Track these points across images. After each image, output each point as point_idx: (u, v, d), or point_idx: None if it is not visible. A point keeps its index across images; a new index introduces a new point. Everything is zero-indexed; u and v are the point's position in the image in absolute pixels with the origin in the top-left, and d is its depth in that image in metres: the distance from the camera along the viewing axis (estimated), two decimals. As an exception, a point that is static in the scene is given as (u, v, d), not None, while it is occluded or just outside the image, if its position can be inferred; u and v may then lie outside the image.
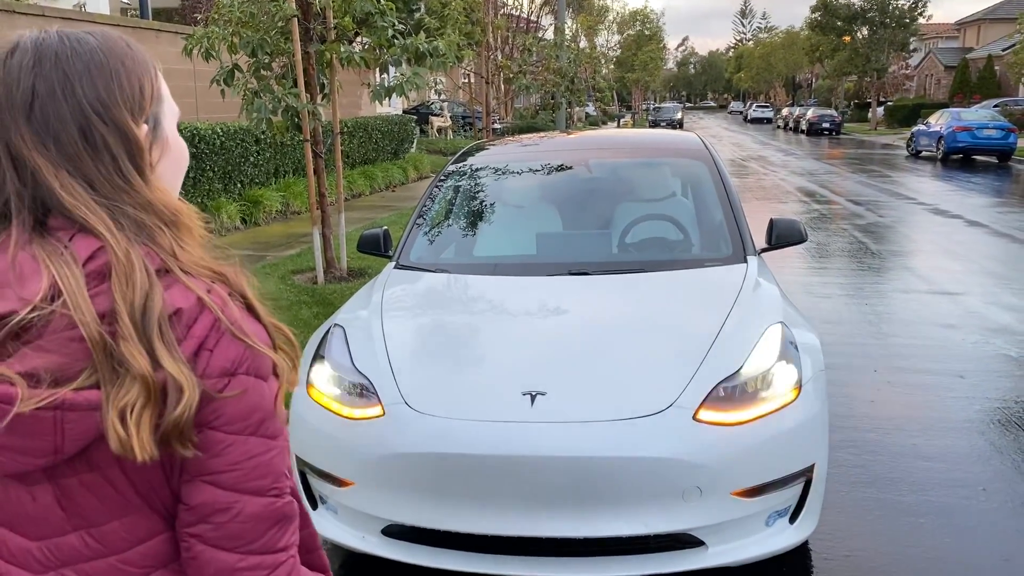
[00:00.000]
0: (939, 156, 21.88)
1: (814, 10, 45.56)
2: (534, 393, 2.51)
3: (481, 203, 4.15)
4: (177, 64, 8.45)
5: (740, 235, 3.57)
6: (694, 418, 2.45)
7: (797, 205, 12.98)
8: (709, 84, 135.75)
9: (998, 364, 5.06)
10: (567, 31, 25.89)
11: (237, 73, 6.52)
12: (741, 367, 2.60)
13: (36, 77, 0.86)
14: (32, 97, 0.86)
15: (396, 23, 6.75)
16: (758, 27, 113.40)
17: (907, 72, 44.72)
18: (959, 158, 21.95)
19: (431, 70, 7.20)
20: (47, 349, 0.81)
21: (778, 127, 48.18)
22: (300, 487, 2.78)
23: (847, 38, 43.25)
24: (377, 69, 7.17)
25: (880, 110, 42.74)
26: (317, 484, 2.72)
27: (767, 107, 61.90)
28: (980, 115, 22.40)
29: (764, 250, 3.71)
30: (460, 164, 4.41)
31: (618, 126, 40.81)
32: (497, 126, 19.27)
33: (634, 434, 2.40)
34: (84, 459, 0.85)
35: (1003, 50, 37.08)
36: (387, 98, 6.79)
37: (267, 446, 0.90)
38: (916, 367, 5.01)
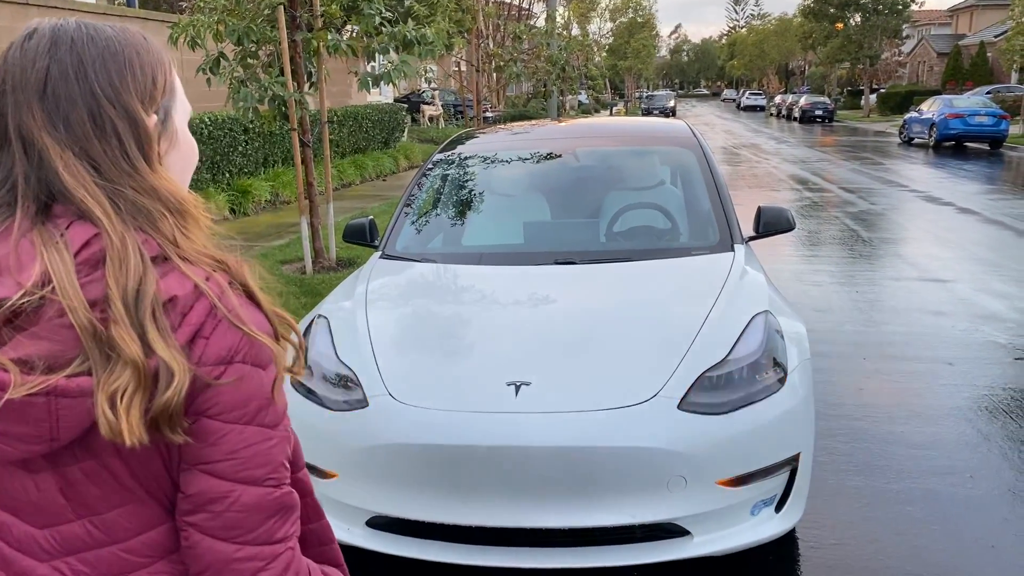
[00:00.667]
0: (931, 143, 21.90)
1: (807, -3, 45.50)
2: (518, 383, 2.50)
3: (468, 192, 4.12)
4: (164, 53, 8.36)
5: (727, 223, 3.55)
6: (679, 407, 2.44)
7: (789, 193, 12.97)
8: (702, 72, 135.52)
9: (987, 351, 5.07)
10: (559, 19, 25.77)
11: (223, 62, 6.46)
12: (726, 356, 2.58)
13: (51, 60, 0.88)
14: (46, 79, 0.87)
15: (384, 10, 6.69)
16: (751, 14, 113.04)
17: (900, 59, 44.64)
18: (951, 145, 21.98)
19: (421, 58, 7.15)
20: (40, 336, 0.81)
21: (771, 115, 48.16)
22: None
23: (840, 25, 43.21)
24: (366, 57, 7.09)
25: (873, 97, 42.72)
26: (301, 476, 2.70)
27: (760, 95, 61.77)
28: (972, 102, 22.40)
29: (751, 238, 3.69)
30: (447, 153, 4.38)
31: (611, 114, 40.70)
32: (489, 115, 19.20)
33: (618, 424, 2.39)
34: (84, 447, 0.86)
35: (995, 37, 37.08)
36: (375, 86, 6.74)
37: (265, 435, 0.90)
38: (905, 354, 5.01)
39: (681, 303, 2.96)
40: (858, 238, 8.99)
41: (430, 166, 4.24)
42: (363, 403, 2.56)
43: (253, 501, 0.88)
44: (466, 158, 4.35)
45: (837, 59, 45.54)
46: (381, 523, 2.54)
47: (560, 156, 4.25)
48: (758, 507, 2.54)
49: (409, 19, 7.01)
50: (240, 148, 10.77)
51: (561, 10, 30.21)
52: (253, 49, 6.56)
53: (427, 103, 24.73)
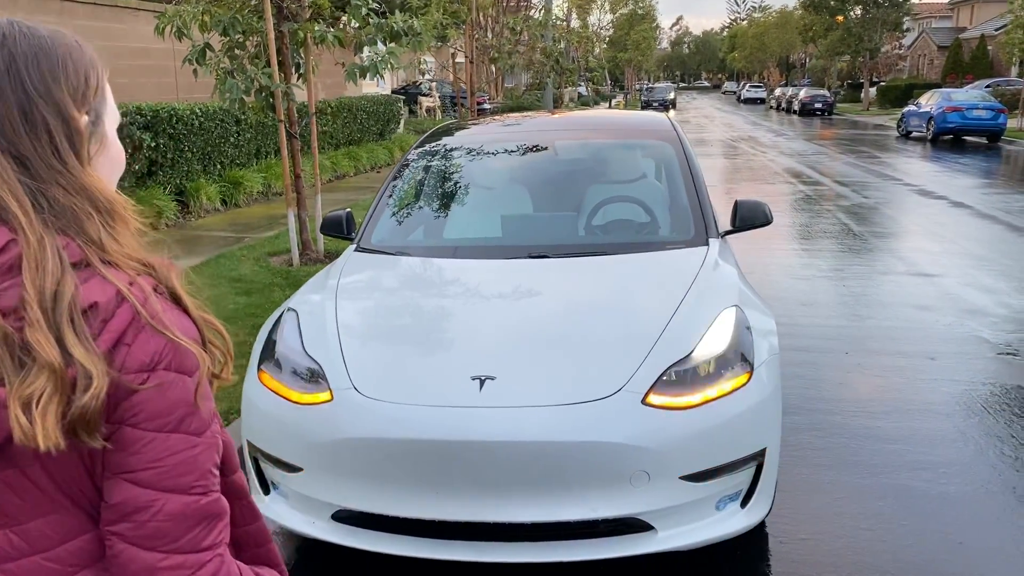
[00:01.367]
0: (929, 137, 21.83)
1: (807, -11, 45.31)
2: (483, 378, 2.49)
3: (445, 185, 4.10)
4: (156, 44, 8.31)
5: (703, 217, 3.54)
6: (643, 402, 2.43)
7: (784, 186, 12.95)
8: (703, 64, 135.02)
9: (970, 346, 5.06)
10: (559, 10, 25.67)
11: (209, 52, 6.42)
12: (692, 351, 2.58)
13: None
14: None
15: (371, 2, 6.65)
16: (752, 6, 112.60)
17: (900, 52, 44.56)
18: (949, 139, 21.91)
19: (414, 50, 7.11)
20: None
21: (771, 107, 48.00)
22: (252, 473, 2.76)
23: (840, 18, 43.03)
24: (354, 49, 7.06)
25: (873, 90, 42.61)
26: (269, 470, 2.70)
27: (760, 87, 61.63)
28: (970, 95, 22.31)
29: (728, 232, 3.68)
30: (430, 145, 4.36)
31: (610, 106, 40.57)
32: (487, 106, 19.12)
33: (582, 418, 2.38)
34: (4, 457, 0.84)
35: (996, 30, 36.94)
36: (363, 78, 6.71)
37: (190, 443, 0.88)
38: (888, 349, 5.00)
39: (651, 297, 2.95)
40: (849, 232, 8.97)
41: (407, 160, 4.23)
42: (328, 397, 2.55)
43: (178, 510, 0.87)
44: (450, 150, 4.33)
45: (837, 52, 45.39)
46: (346, 517, 2.53)
47: (539, 149, 4.23)
48: (723, 502, 2.54)
49: (399, 10, 6.98)
50: (232, 139, 10.73)
51: (559, 1, 30.10)
52: (239, 40, 6.53)
53: (424, 95, 24.68)
